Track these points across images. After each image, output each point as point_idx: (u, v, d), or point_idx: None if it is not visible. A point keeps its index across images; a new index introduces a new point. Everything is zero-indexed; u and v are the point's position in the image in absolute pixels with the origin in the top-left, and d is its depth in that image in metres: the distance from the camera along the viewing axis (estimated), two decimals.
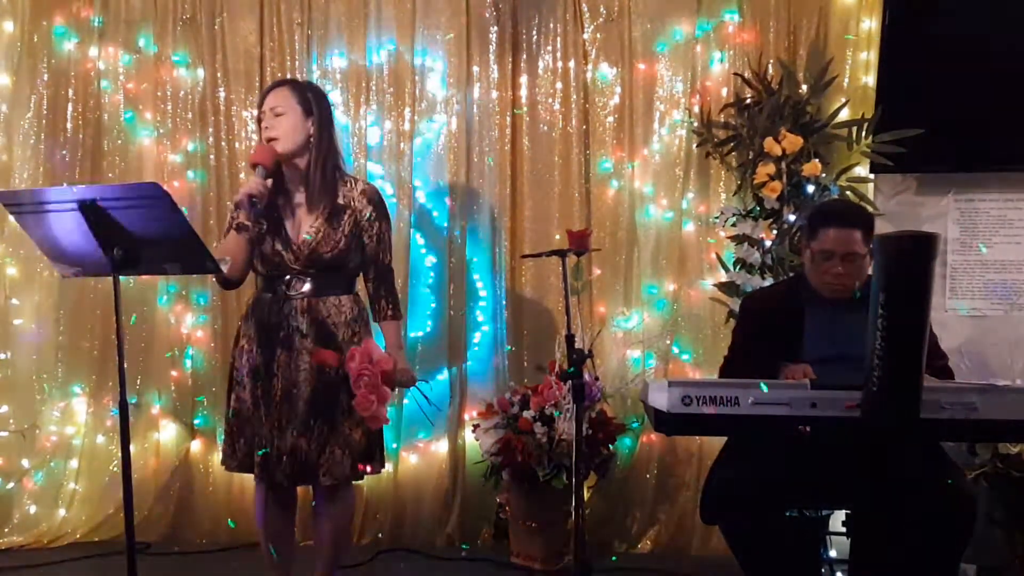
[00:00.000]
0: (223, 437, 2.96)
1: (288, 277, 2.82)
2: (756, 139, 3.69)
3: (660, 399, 2.41)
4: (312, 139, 2.82)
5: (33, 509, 4.07)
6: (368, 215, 2.86)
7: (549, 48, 4.05)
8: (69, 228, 2.34)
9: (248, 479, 4.02)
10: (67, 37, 4.15)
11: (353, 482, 2.94)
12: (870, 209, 3.54)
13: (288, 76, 3.98)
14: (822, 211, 2.98)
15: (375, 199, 2.89)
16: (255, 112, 4.00)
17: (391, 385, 2.72)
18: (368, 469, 2.88)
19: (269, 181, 2.78)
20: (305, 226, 2.81)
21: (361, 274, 2.95)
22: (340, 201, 2.84)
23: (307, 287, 2.81)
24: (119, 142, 4.15)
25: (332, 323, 2.82)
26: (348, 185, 2.88)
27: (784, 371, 2.70)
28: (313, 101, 2.85)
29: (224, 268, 2.66)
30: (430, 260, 4.11)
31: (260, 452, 2.79)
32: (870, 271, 2.76)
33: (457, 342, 4.07)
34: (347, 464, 2.80)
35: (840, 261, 2.76)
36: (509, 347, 4.06)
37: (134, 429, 3.81)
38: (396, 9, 4.06)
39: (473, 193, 4.08)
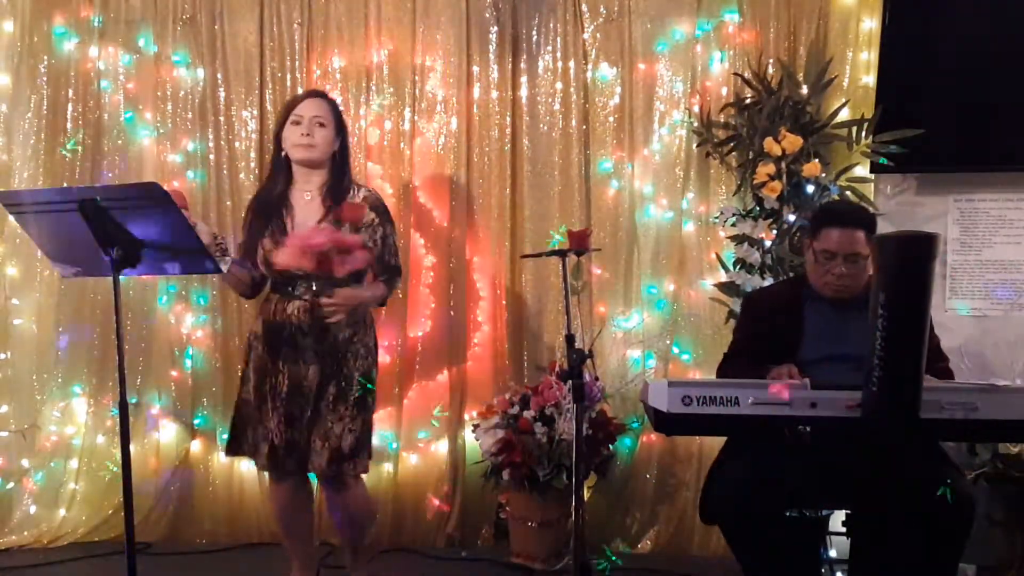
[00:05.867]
0: (229, 427, 3.07)
1: (296, 281, 2.91)
2: (756, 139, 3.69)
3: (660, 399, 2.42)
4: (336, 154, 2.98)
5: (33, 509, 4.06)
6: (370, 220, 2.96)
7: (549, 48, 4.04)
8: (69, 228, 2.35)
9: (249, 480, 4.04)
10: (67, 37, 4.14)
11: (351, 477, 2.98)
12: (871, 209, 3.54)
13: (293, 73, 4.06)
14: (825, 211, 2.99)
15: (378, 205, 3.02)
16: (255, 112, 4.05)
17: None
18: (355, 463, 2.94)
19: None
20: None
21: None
22: None
23: (312, 289, 2.90)
24: (119, 142, 4.14)
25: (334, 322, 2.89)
26: (351, 193, 2.98)
27: (770, 373, 2.69)
28: (341, 119, 3.03)
29: (224, 268, 2.76)
30: (430, 260, 4.11)
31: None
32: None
33: (457, 342, 4.07)
34: (324, 456, 2.87)
35: (842, 261, 2.76)
36: (509, 347, 4.05)
37: (134, 429, 3.81)
38: (396, 9, 4.06)
39: (473, 193, 4.07)
